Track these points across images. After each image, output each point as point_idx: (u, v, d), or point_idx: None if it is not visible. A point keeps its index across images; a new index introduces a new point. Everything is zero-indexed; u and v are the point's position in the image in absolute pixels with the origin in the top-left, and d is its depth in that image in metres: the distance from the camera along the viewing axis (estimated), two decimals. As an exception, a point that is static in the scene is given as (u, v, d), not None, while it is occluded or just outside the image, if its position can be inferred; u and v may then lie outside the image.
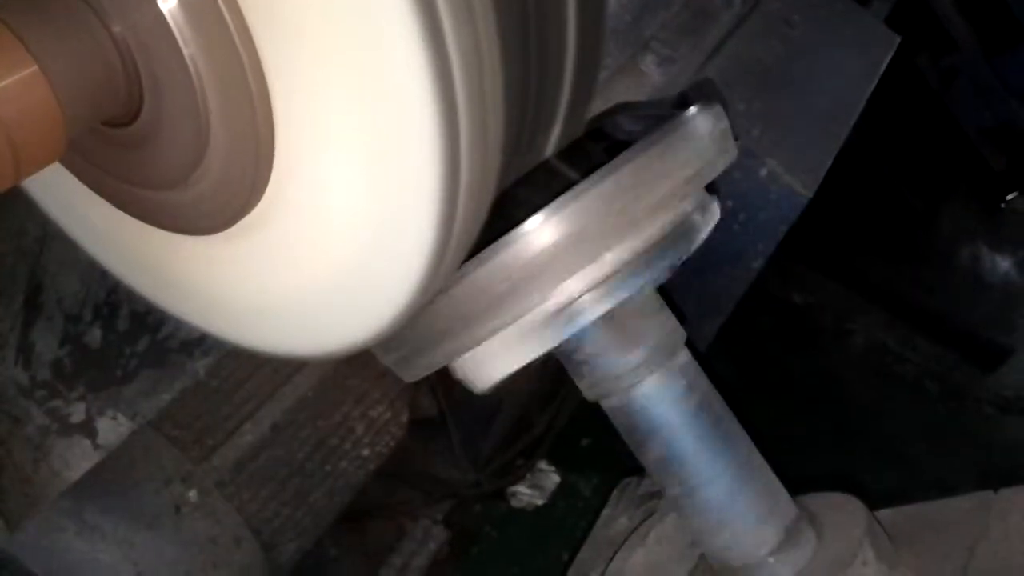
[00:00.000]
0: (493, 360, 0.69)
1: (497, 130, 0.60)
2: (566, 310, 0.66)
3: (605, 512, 1.14)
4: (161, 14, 0.55)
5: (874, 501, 0.84)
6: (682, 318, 0.80)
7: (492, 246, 0.64)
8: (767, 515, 0.77)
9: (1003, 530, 0.82)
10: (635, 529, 1.02)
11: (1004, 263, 2.24)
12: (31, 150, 0.57)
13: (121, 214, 0.71)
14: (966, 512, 0.86)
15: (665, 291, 0.79)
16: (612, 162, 0.63)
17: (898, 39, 1.49)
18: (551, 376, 1.63)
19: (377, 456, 1.32)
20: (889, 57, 1.44)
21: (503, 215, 0.64)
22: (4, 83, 0.53)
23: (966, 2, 2.29)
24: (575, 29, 0.67)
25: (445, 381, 1.38)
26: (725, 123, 0.71)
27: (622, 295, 0.67)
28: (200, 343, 1.00)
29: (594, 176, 0.63)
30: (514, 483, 1.91)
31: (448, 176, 0.56)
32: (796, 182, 1.21)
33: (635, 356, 0.72)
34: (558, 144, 0.75)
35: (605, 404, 0.77)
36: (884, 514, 0.86)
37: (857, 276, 2.25)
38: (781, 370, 2.01)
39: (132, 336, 0.93)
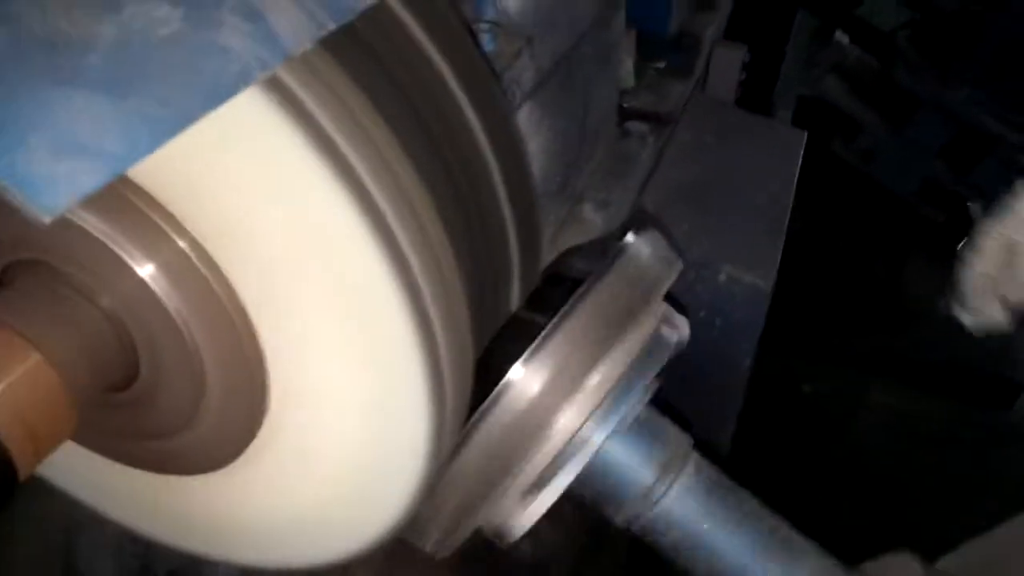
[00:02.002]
0: (516, 513, 0.70)
1: (468, 351, 0.64)
2: (570, 446, 0.68)
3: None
4: (142, 280, 0.59)
5: (931, 550, 0.83)
6: (688, 425, 0.82)
7: (481, 409, 0.66)
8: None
9: None
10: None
11: (978, 304, 2.29)
12: (46, 432, 0.59)
13: (121, 467, 0.72)
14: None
15: (670, 407, 0.81)
16: (570, 300, 0.68)
17: (804, 133, 1.61)
18: (590, 527, 1.60)
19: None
20: (802, 149, 1.56)
21: (489, 373, 0.67)
22: (14, 376, 0.57)
23: (859, 88, 2.49)
24: (514, 230, 0.75)
25: (488, 559, 1.35)
26: (662, 241, 0.77)
27: (617, 416, 0.70)
28: (233, 587, 0.99)
29: (557, 317, 0.67)
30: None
31: (435, 395, 0.59)
32: (754, 278, 1.27)
33: (650, 473, 0.74)
34: (520, 299, 0.80)
35: (636, 528, 0.77)
36: (947, 560, 0.84)
37: (855, 354, 2.28)
38: (807, 460, 1.98)
39: (169, 596, 0.92)
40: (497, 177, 0.73)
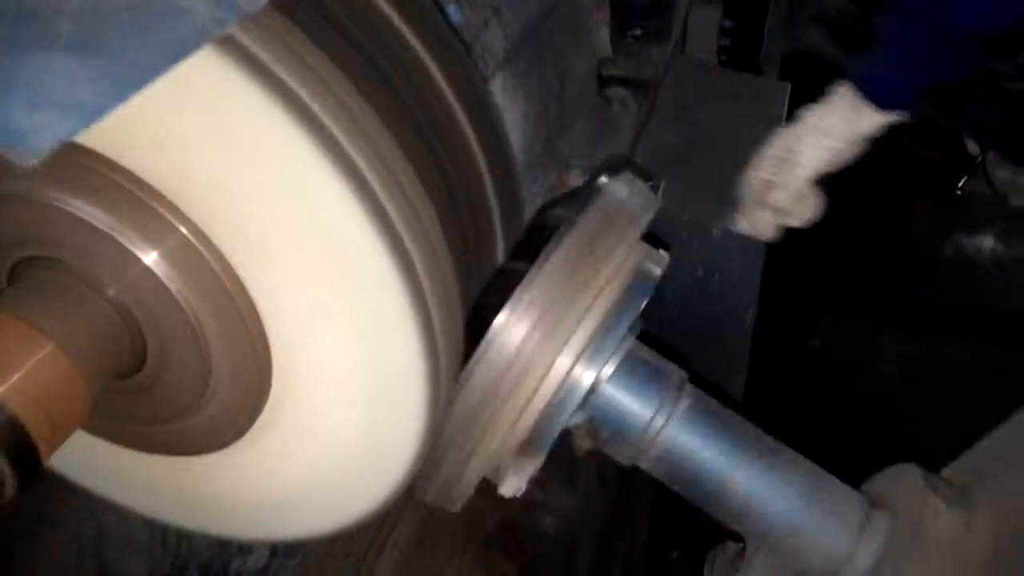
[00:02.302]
0: (519, 460, 0.72)
1: (457, 311, 0.67)
2: (563, 385, 0.70)
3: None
4: (147, 267, 0.62)
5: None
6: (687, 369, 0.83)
7: (471, 361, 0.69)
8: (835, 514, 0.77)
9: None
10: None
11: (987, 241, 2.26)
12: (62, 417, 0.62)
13: (129, 451, 0.75)
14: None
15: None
16: (548, 245, 0.70)
17: (788, 85, 1.62)
18: (614, 496, 1.62)
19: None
20: (786, 101, 1.56)
21: (479, 327, 0.70)
22: (29, 365, 0.60)
23: (842, 36, 2.49)
24: (493, 189, 0.76)
25: (517, 538, 1.38)
26: (638, 181, 0.78)
27: (605, 351, 0.71)
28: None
29: (536, 263, 0.69)
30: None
31: (429, 358, 0.61)
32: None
33: (647, 406, 0.76)
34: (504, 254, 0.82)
35: (644, 464, 0.79)
36: (951, 469, 0.86)
37: (862, 305, 2.27)
38: (823, 416, 1.96)
39: (202, 590, 0.94)
40: (472, 140, 0.74)
